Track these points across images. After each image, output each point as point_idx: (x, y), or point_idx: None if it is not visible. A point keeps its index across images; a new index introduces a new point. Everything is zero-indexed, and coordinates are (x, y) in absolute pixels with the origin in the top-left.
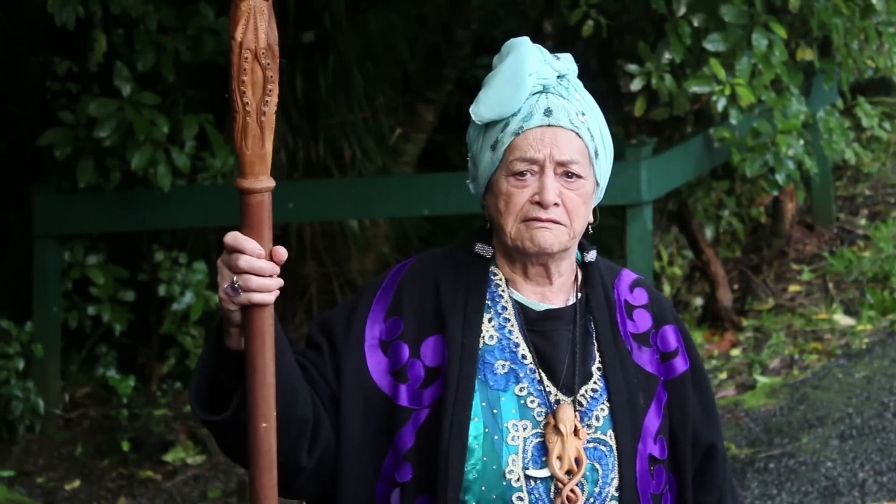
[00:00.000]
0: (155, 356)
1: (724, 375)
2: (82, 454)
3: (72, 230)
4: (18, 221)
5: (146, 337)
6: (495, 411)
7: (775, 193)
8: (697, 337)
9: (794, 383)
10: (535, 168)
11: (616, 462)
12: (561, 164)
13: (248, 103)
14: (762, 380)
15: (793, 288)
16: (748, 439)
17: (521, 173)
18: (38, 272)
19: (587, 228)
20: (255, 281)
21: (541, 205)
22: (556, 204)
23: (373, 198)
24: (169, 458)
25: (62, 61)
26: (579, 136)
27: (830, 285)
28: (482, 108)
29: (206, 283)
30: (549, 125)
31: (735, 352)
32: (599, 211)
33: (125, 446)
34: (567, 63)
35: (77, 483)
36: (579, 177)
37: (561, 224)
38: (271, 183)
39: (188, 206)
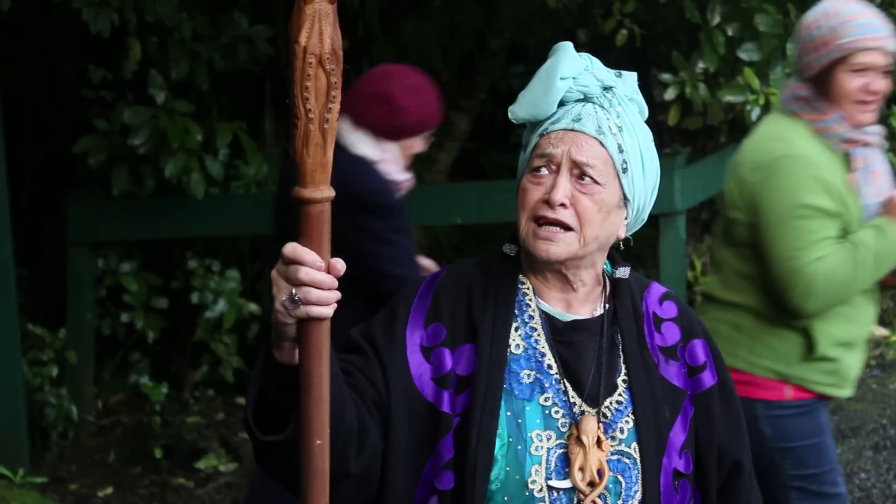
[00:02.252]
0: (188, 364)
1: None
2: (115, 461)
3: (106, 238)
4: (53, 229)
5: (179, 344)
6: (520, 421)
7: None
8: None
9: None
10: (553, 166)
11: (640, 475)
12: (577, 164)
13: (310, 110)
14: None
15: None
16: None
17: (538, 169)
18: (72, 279)
19: (618, 244)
20: (314, 293)
21: (549, 203)
22: (563, 205)
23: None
24: (201, 465)
25: (97, 69)
26: (603, 146)
27: None
28: (516, 107)
29: (240, 291)
30: (572, 129)
31: None
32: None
33: (158, 453)
34: (623, 79)
35: (110, 490)
36: (595, 182)
37: (568, 228)
38: (332, 192)
39: (221, 213)
